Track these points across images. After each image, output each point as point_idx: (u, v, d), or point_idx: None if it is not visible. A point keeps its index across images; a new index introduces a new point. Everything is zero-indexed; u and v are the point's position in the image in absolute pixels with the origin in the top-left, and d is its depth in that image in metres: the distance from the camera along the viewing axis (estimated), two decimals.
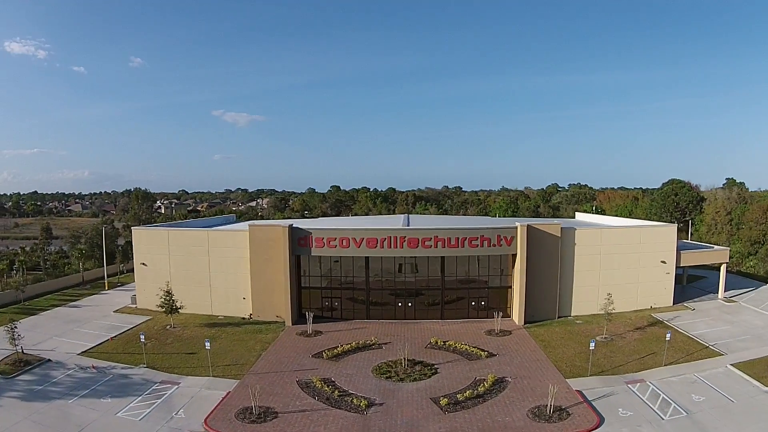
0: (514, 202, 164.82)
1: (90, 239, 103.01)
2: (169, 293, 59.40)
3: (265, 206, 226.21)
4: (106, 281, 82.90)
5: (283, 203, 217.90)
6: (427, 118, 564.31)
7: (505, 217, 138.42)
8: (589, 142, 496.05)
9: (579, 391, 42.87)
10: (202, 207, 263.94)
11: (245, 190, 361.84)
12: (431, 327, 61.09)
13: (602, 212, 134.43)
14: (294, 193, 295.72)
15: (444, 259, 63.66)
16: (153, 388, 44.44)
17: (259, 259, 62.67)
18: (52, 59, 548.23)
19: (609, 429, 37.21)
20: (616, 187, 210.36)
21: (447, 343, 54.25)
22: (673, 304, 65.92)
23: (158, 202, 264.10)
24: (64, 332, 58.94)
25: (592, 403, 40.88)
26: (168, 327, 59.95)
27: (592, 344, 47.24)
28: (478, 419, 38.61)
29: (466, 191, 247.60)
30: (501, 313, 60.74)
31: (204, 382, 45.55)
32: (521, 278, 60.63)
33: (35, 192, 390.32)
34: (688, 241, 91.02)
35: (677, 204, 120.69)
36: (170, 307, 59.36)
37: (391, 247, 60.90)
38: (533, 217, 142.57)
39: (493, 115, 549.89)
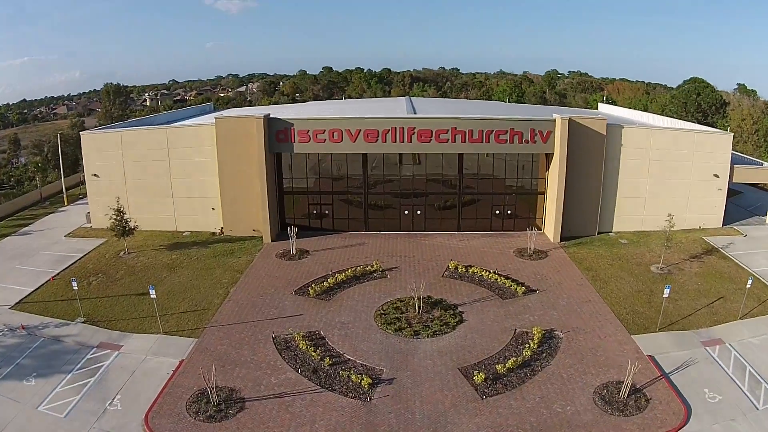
0: (518, 87, 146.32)
1: (53, 147, 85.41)
2: (120, 212, 44.53)
3: (255, 91, 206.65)
4: (65, 195, 67.03)
5: (272, 87, 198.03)
6: None
7: (510, 102, 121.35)
8: (589, 29, 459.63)
9: (651, 358, 30.00)
10: (190, 96, 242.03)
11: (236, 76, 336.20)
12: (447, 242, 47.26)
13: (614, 104, 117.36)
14: (286, 76, 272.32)
15: (462, 156, 48.90)
16: (87, 357, 31.08)
17: (228, 160, 47.61)
18: None
19: (698, 426, 24.95)
20: (617, 78, 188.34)
21: (470, 270, 40.54)
22: (722, 225, 52.04)
23: (145, 94, 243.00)
24: (6, 272, 43.64)
25: (671, 379, 28.19)
26: (122, 253, 45.83)
27: (667, 291, 33.35)
28: (530, 409, 25.69)
29: (463, 73, 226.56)
30: (535, 229, 47.07)
31: (152, 343, 32.17)
32: (559, 184, 45.98)
33: (24, 100, 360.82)
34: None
35: (699, 105, 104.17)
36: (122, 229, 44.95)
37: (395, 141, 46.22)
38: (541, 104, 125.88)
39: None
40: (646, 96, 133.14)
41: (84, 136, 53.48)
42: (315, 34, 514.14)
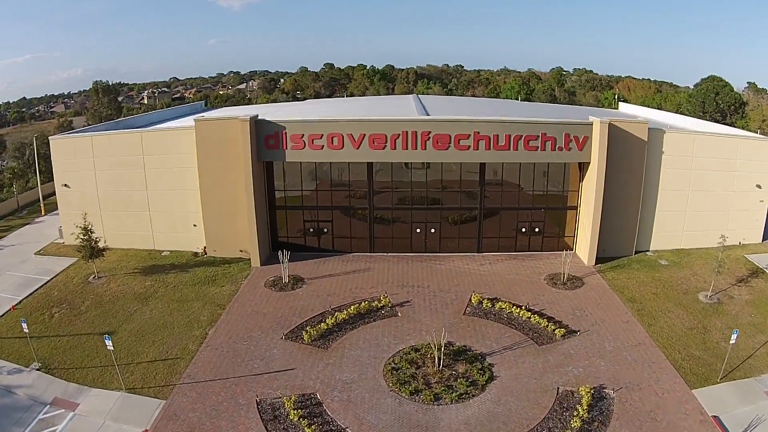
0: (526, 84, 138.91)
1: (34, 150, 77.93)
2: (86, 230, 37.77)
3: (255, 88, 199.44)
4: (41, 204, 59.99)
5: (272, 84, 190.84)
6: None
7: (520, 100, 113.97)
8: (592, 25, 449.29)
9: (717, 420, 23.68)
10: (189, 93, 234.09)
11: (237, 73, 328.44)
12: (466, 267, 40.39)
13: (626, 102, 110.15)
14: (287, 73, 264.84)
15: (485, 165, 42.00)
16: (39, 417, 24.87)
17: (211, 170, 40.80)
18: None
19: None
20: (624, 76, 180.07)
21: (497, 305, 33.78)
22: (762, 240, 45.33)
23: (144, 92, 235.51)
24: None
25: None
26: (91, 278, 39.11)
27: (734, 337, 26.81)
28: None
29: (468, 70, 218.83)
30: (570, 252, 40.54)
31: (112, 403, 25.65)
32: (597, 198, 39.17)
33: (23, 98, 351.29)
34: None
35: (717, 105, 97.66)
36: (90, 250, 38.18)
37: (407, 148, 39.10)
38: (551, 102, 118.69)
39: None
40: (659, 95, 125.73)
41: (52, 141, 46.49)
42: (316, 30, 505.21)
